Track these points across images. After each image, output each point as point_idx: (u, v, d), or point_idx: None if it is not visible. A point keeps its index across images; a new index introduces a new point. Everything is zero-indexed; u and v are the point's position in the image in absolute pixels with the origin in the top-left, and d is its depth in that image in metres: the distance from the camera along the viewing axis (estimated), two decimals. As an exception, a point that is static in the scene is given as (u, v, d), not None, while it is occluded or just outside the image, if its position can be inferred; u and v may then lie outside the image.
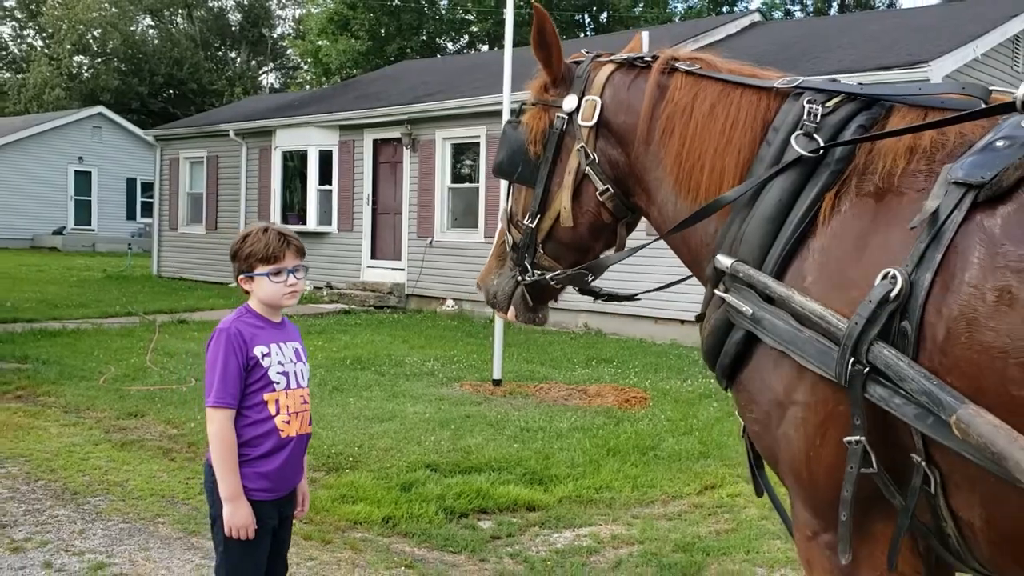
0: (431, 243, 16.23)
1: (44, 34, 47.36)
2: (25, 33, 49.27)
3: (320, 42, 38.62)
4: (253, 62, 54.70)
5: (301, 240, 3.04)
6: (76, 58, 46.19)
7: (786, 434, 1.90)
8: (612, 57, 2.47)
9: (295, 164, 19.10)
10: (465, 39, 40.28)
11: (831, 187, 1.94)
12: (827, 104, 2.04)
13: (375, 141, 17.45)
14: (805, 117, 2.02)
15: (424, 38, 37.80)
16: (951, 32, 12.53)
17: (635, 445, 6.77)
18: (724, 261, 2.05)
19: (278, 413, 2.86)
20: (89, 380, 8.78)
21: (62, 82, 43.36)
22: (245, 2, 51.36)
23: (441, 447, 6.62)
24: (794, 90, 2.12)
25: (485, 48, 38.85)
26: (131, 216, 35.03)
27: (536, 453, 6.47)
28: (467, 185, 16.18)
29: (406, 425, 7.27)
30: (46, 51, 45.49)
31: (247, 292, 2.97)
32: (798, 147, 1.99)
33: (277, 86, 51.71)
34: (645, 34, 12.47)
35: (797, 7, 38.83)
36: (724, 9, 37.50)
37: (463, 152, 16.44)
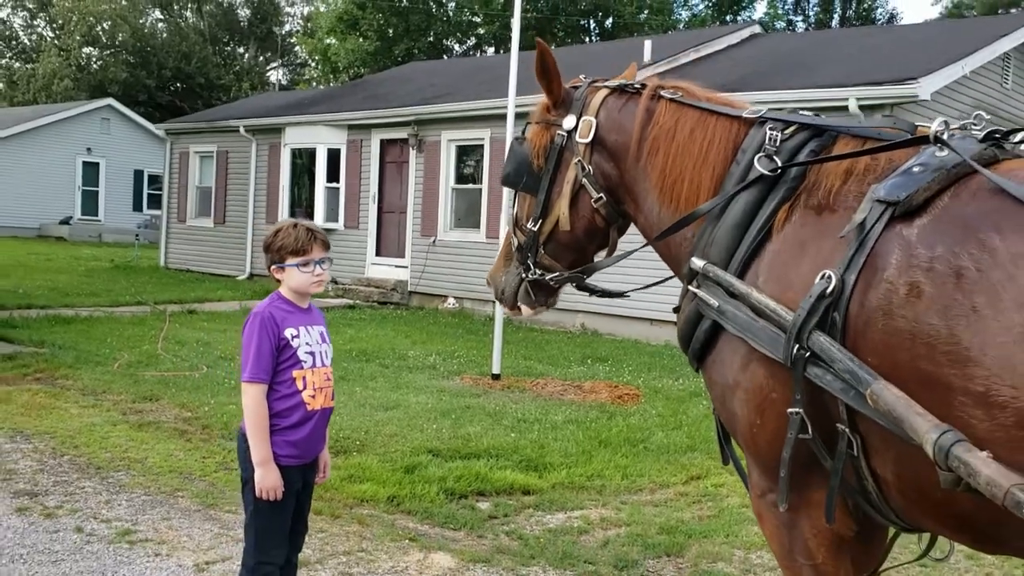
0: (434, 242, 16.59)
1: (54, 25, 47.74)
2: (35, 23, 49.65)
3: (329, 40, 38.98)
4: (261, 58, 55.10)
5: (326, 235, 3.40)
6: (85, 49, 46.58)
7: (740, 407, 2.28)
8: (606, 83, 2.85)
9: (303, 161, 19.46)
10: (472, 41, 40.65)
11: (786, 201, 2.32)
12: (785, 131, 2.42)
13: (382, 141, 17.81)
14: (767, 142, 2.40)
15: (431, 39, 38.16)
16: (942, 49, 12.88)
17: (626, 438, 7.13)
18: (697, 263, 2.43)
19: (305, 388, 3.23)
20: (104, 365, 9.14)
21: (71, 73, 43.75)
22: (254, -2, 51.79)
23: (442, 434, 6.98)
24: (759, 119, 2.50)
25: (491, 50, 39.23)
26: (138, 208, 35.41)
27: (532, 442, 6.83)
28: (470, 186, 16.54)
29: (409, 414, 7.63)
30: (56, 42, 45.87)
31: (278, 281, 3.33)
32: (760, 167, 2.37)
33: (284, 82, 52.05)
34: (648, 42, 12.85)
35: (800, 18, 39.22)
36: (728, 18, 37.87)
37: (467, 154, 16.81)
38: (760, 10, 40.06)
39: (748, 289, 2.25)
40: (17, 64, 48.34)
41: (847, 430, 2.06)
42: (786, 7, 39.67)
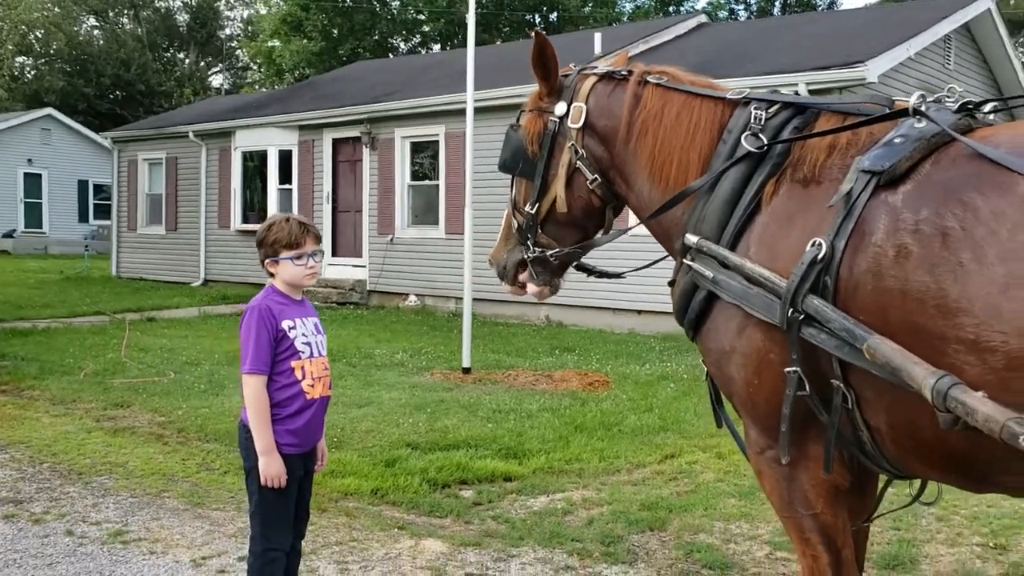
0: (392, 240, 16.60)
1: (-15, 35, 46.57)
2: (-34, 34, 48.38)
3: (273, 43, 38.62)
4: (202, 63, 54.36)
5: (317, 228, 3.47)
6: (19, 59, 45.52)
7: (738, 370, 2.41)
8: (595, 70, 2.96)
9: (255, 164, 19.33)
10: (417, 39, 40.57)
11: (773, 176, 2.45)
12: (769, 110, 2.55)
13: (334, 140, 17.76)
14: (752, 121, 2.54)
15: (377, 38, 38.01)
16: (885, 33, 13.24)
17: (600, 422, 7.27)
18: (691, 239, 2.56)
19: (304, 378, 3.30)
20: (70, 375, 9.05)
21: (4, 83, 42.72)
22: (193, 3, 51.04)
23: (419, 428, 7.05)
24: (743, 100, 2.63)
25: (437, 47, 39.19)
26: (84, 218, 34.77)
27: (509, 431, 6.93)
28: (427, 183, 16.58)
29: (383, 410, 7.69)
30: (-13, 52, 44.77)
31: (272, 274, 3.39)
32: (747, 145, 2.50)
33: (228, 87, 51.41)
34: (598, 35, 13.07)
35: (741, 7, 39.79)
36: (671, 9, 38.28)
37: (422, 150, 16.84)
38: (703, 0, 40.56)
39: (742, 261, 2.38)
40: (-52, 76, 47.08)
41: (841, 385, 2.20)
42: (728, -4, 40.22)
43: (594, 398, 8.30)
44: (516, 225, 3.06)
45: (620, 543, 4.68)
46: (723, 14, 38.21)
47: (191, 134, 19.96)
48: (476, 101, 10.61)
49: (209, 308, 15.56)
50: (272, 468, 3.20)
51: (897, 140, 2.19)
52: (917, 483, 2.57)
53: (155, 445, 6.53)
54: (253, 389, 3.22)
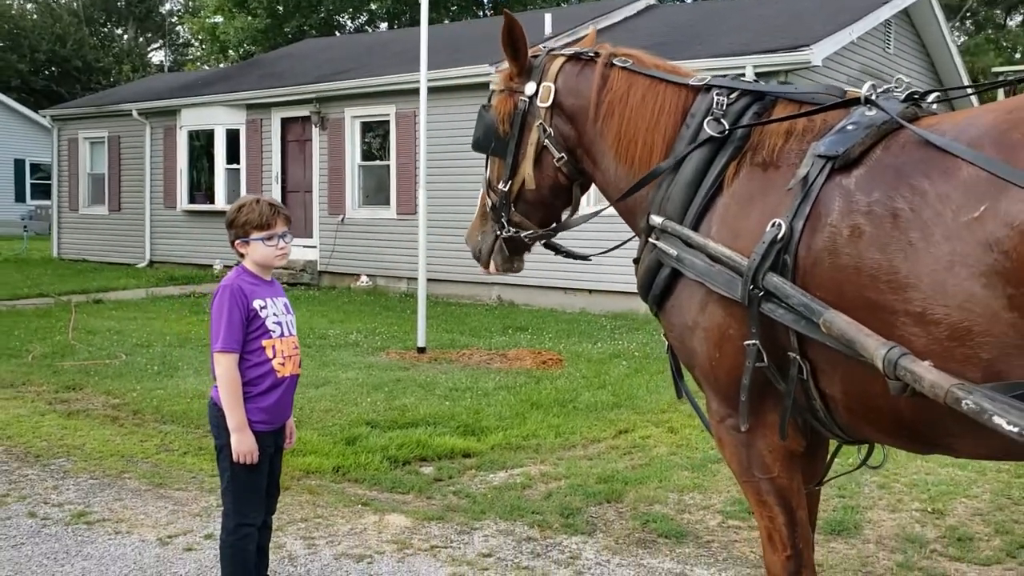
0: (343, 220, 16.54)
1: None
2: None
3: (216, 19, 37.90)
4: (141, 39, 53.13)
5: (287, 210, 3.52)
6: (-54, 33, 44.04)
7: (700, 344, 2.55)
8: (563, 51, 3.07)
9: (201, 143, 19.06)
10: (365, 16, 40.14)
11: (734, 159, 2.58)
12: (730, 96, 2.68)
13: (283, 119, 17.59)
14: (714, 106, 2.66)
15: (323, 15, 37.49)
16: (829, 17, 13.52)
17: (555, 399, 7.41)
18: (656, 219, 2.68)
19: (274, 356, 3.36)
20: (18, 357, 8.93)
21: (-69, 58, 41.35)
22: (131, -24, 49.82)
23: (378, 407, 7.12)
24: (705, 85, 2.75)
25: (384, 26, 38.84)
26: (20, 199, 33.89)
27: (466, 409, 7.04)
28: (378, 163, 16.53)
29: (341, 389, 7.73)
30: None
31: (242, 255, 3.43)
32: (709, 129, 2.62)
33: (169, 64, 50.35)
34: (548, 16, 13.11)
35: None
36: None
37: (373, 130, 16.77)
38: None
39: (705, 241, 2.51)
40: None
41: (798, 357, 2.35)
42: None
43: (548, 376, 8.45)
44: (490, 204, 3.15)
45: (578, 515, 4.83)
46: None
47: (135, 112, 19.59)
48: (429, 81, 10.63)
49: (157, 290, 15.38)
50: (244, 445, 3.27)
51: (850, 127, 2.34)
52: (865, 449, 2.74)
53: (111, 427, 6.51)
54: (225, 367, 3.27)
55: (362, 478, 5.47)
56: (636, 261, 2.83)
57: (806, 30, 12.78)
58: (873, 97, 2.38)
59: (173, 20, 52.03)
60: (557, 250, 3.28)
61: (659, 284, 2.66)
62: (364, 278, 16.14)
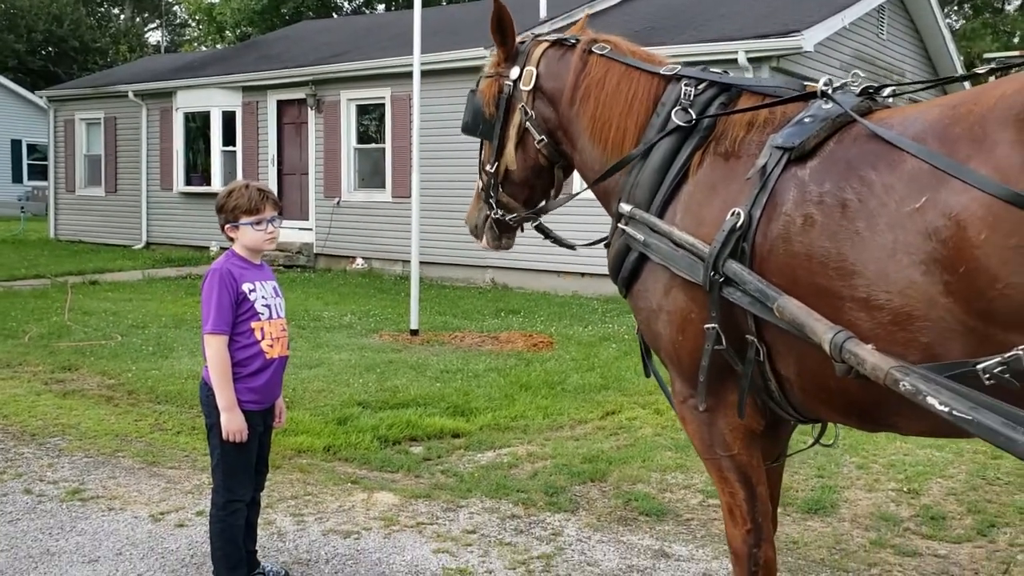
0: (339, 203, 16.60)
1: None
2: None
3: (213, 0, 37.79)
4: (138, 19, 52.93)
5: (275, 195, 3.61)
6: (-57, 13, 43.82)
7: (664, 327, 2.67)
8: (547, 37, 3.20)
9: (197, 125, 19.09)
10: (361, -2, 40.03)
11: (699, 148, 2.68)
12: (698, 87, 2.78)
13: (279, 102, 17.62)
14: (682, 96, 2.76)
15: (320, -3, 37.41)
16: (822, 3, 13.56)
17: (544, 381, 7.53)
18: (625, 207, 2.80)
19: (263, 338, 3.46)
20: (15, 338, 9.03)
21: (-71, 39, 41.19)
22: (128, -44, 49.56)
23: (369, 388, 7.23)
24: (675, 75, 2.85)
25: (382, 7, 38.73)
26: (18, 179, 33.88)
27: (456, 390, 7.15)
28: (373, 146, 16.57)
29: (333, 370, 7.84)
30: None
31: (232, 239, 3.53)
32: (677, 119, 2.73)
33: (165, 44, 50.19)
34: (543, 0, 13.02)
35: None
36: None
37: (369, 113, 16.81)
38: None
39: (670, 228, 2.62)
40: None
41: (755, 340, 2.46)
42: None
43: (539, 358, 8.56)
44: (480, 185, 3.30)
45: (563, 493, 4.95)
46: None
47: (131, 94, 19.60)
48: (423, 64, 10.68)
49: (153, 271, 15.47)
50: (234, 424, 3.37)
51: (806, 120, 2.44)
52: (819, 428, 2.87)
53: (106, 407, 6.62)
54: (215, 349, 3.38)
55: (352, 457, 5.58)
56: (607, 245, 2.95)
57: (799, 15, 12.83)
58: (829, 91, 2.47)
59: (170, 0, 51.81)
60: (547, 235, 3.40)
61: (627, 268, 2.77)
62: (359, 261, 16.23)
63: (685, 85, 2.80)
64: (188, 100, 18.78)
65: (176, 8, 51.71)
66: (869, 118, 2.36)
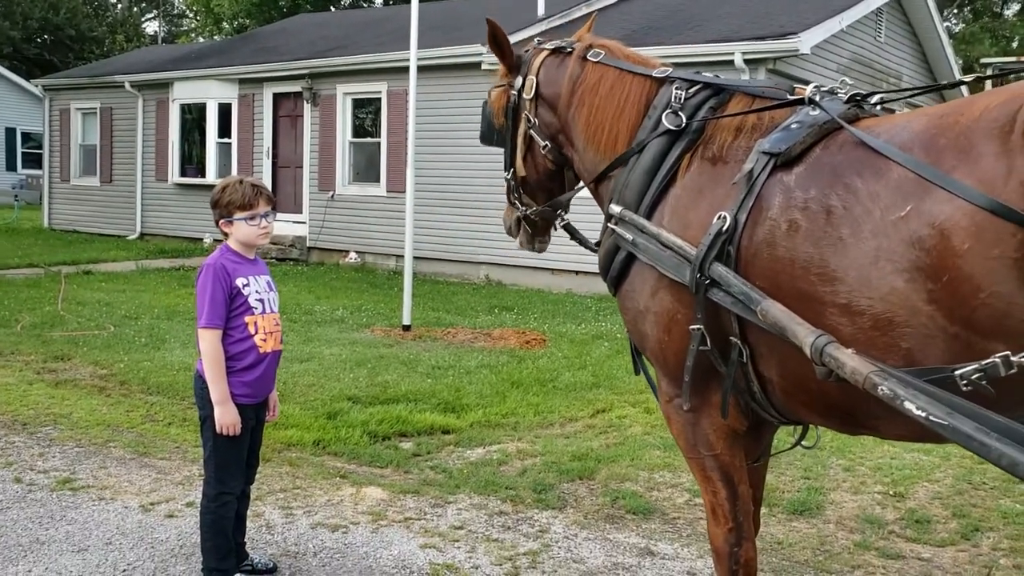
0: (333, 196, 16.60)
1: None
2: None
3: (210, -10, 37.71)
4: (135, 9, 52.78)
5: (269, 190, 3.64)
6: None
7: (651, 327, 2.70)
8: (546, 45, 3.29)
9: (193, 117, 19.07)
10: (360, -8, 39.97)
11: (688, 151, 2.73)
12: (689, 90, 2.81)
13: (275, 95, 17.62)
14: (673, 99, 2.80)
15: (318, -11, 37.34)
16: (821, 4, 13.60)
17: (536, 379, 7.56)
18: (615, 209, 2.84)
19: (257, 332, 3.49)
20: (7, 327, 9.03)
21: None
22: (126, -55, 49.39)
23: (360, 383, 7.25)
24: (667, 79, 2.89)
25: (380, 2, 38.68)
26: (12, 167, 33.78)
27: (448, 387, 7.18)
28: (368, 140, 16.57)
29: (324, 365, 7.86)
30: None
31: (226, 234, 3.55)
32: (667, 123, 2.77)
33: (163, 35, 50.05)
34: (541, 0, 13.04)
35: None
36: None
37: (364, 107, 16.81)
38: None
39: (658, 230, 2.66)
40: None
41: (738, 342, 2.50)
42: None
43: (531, 356, 8.59)
44: (506, 189, 3.43)
45: (551, 490, 4.98)
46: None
47: (127, 84, 19.57)
48: (420, 59, 10.70)
49: (147, 262, 15.46)
50: (227, 417, 3.40)
51: (793, 126, 2.48)
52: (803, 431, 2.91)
53: (98, 397, 6.63)
54: (209, 343, 3.40)
55: (342, 452, 5.60)
56: (597, 244, 3.00)
57: (796, 18, 12.86)
58: (816, 98, 2.51)
59: (167, -10, 51.66)
60: (573, 235, 3.49)
61: (615, 267, 2.82)
62: (353, 255, 16.24)
63: (676, 88, 2.83)
64: (184, 91, 18.76)
65: (174, -2, 51.57)
66: (856, 126, 2.39)
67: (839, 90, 2.57)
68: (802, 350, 2.19)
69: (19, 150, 34.08)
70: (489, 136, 3.40)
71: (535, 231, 3.45)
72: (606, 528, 4.50)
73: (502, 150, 3.43)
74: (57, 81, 22.14)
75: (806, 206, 2.33)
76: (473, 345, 9.16)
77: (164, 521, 4.38)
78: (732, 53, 11.87)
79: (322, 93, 16.72)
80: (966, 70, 24.75)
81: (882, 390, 1.98)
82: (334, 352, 8.41)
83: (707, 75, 2.92)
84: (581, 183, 3.25)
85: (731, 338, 2.51)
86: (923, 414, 1.90)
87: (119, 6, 50.94)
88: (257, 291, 3.51)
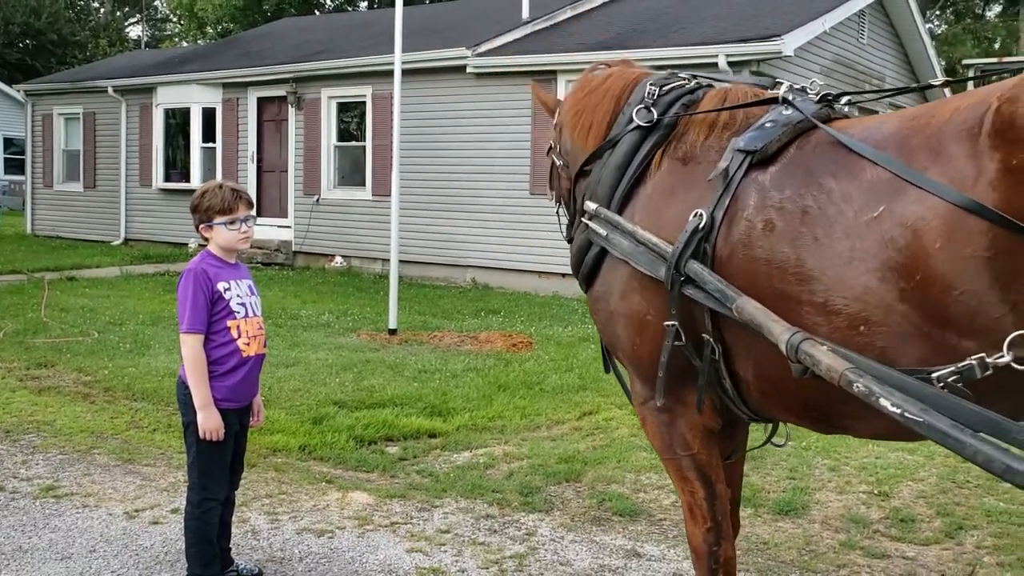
0: (318, 201, 16.56)
1: None
2: None
3: (194, -5, 37.54)
4: (119, 13, 52.48)
5: (249, 194, 3.62)
6: (-79, 4, 43.26)
7: (623, 327, 2.71)
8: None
9: (177, 122, 18.98)
10: (344, -5, 39.86)
11: (658, 147, 2.75)
12: (663, 88, 2.82)
13: (260, 99, 17.56)
14: (646, 96, 2.81)
15: (302, -7, 37.23)
16: (804, 7, 13.66)
17: (523, 381, 7.56)
18: (590, 206, 2.86)
19: (239, 337, 3.47)
20: (-10, 334, 8.96)
21: (-94, 29, 40.65)
22: (108, -51, 49.14)
23: (346, 387, 7.23)
24: (644, 74, 2.94)
25: (364, 5, 38.63)
26: (-7, 173, 33.56)
27: (434, 391, 7.17)
28: (354, 144, 16.54)
29: (310, 369, 7.84)
30: None
31: (206, 239, 3.54)
32: (637, 119, 2.79)
33: (146, 39, 49.83)
34: (526, 1, 13.06)
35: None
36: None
37: (349, 111, 16.78)
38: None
39: (634, 227, 2.67)
40: None
41: (712, 339, 2.51)
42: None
43: (517, 359, 8.58)
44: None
45: (538, 493, 4.98)
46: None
47: (110, 89, 19.47)
48: (404, 63, 10.69)
49: (131, 268, 15.37)
50: (210, 422, 3.38)
51: (768, 124, 2.50)
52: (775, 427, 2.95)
53: (82, 404, 6.59)
54: (190, 348, 3.38)
55: (328, 457, 5.58)
56: (570, 240, 3.01)
57: (780, 20, 12.92)
58: (789, 97, 2.53)
59: (151, -5, 51.41)
60: None
61: (588, 263, 2.84)
62: (339, 259, 16.20)
63: (650, 85, 2.85)
64: (168, 96, 18.69)
65: (157, 3, 51.34)
66: (829, 127, 2.41)
67: (810, 90, 2.58)
68: (777, 348, 2.20)
69: (1, 156, 33.84)
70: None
71: None
72: (593, 530, 4.50)
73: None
74: (39, 86, 22.01)
75: (781, 206, 2.35)
76: (459, 349, 9.14)
77: (149, 528, 4.35)
78: (716, 56, 11.91)
79: (307, 97, 16.68)
80: (949, 71, 24.91)
81: (857, 387, 1.99)
82: (320, 357, 8.38)
83: (685, 74, 2.95)
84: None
85: (704, 335, 2.52)
86: (898, 411, 1.91)
87: (102, 10, 50.65)
88: (239, 295, 3.49)
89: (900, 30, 16.89)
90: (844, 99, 2.57)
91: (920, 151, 2.11)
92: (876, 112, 2.87)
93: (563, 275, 13.27)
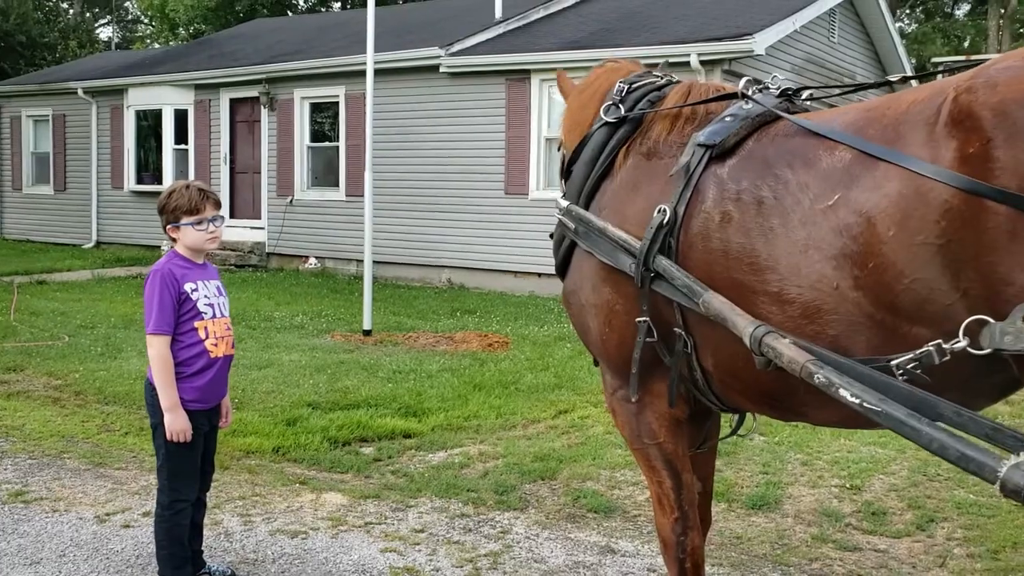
0: (291, 202, 16.47)
1: None
2: None
3: (165, -4, 37.23)
4: (88, 14, 51.93)
5: (217, 194, 3.60)
6: None
7: (594, 320, 2.74)
8: None
9: (149, 123, 18.82)
10: (317, -4, 39.67)
11: (624, 142, 2.78)
12: (633, 84, 2.84)
13: (232, 100, 17.44)
14: (614, 92, 2.85)
15: (275, -6, 37.00)
16: (775, 6, 13.75)
17: (498, 381, 7.55)
18: (563, 203, 2.91)
19: (207, 338, 3.44)
20: (-43, 339, 8.83)
21: None
22: (78, -50, 48.61)
23: (320, 389, 7.20)
24: (625, 75, 2.95)
25: (337, 6, 38.47)
26: (-39, 177, 33.06)
27: (409, 391, 7.15)
28: (327, 144, 16.47)
29: (283, 371, 7.79)
30: None
31: (174, 240, 3.51)
32: (604, 115, 2.84)
33: (117, 41, 49.36)
34: (498, 1, 13.06)
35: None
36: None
37: (323, 111, 16.70)
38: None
39: (604, 224, 2.70)
40: None
41: (682, 332, 2.53)
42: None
43: (493, 358, 8.58)
44: None
45: (513, 492, 4.97)
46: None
47: (80, 91, 19.26)
48: (377, 63, 10.66)
49: (103, 271, 15.23)
50: (177, 424, 3.35)
51: (728, 118, 2.53)
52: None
53: (52, 408, 6.52)
54: (157, 349, 3.36)
55: (301, 458, 5.55)
56: (551, 235, 3.03)
57: (751, 19, 12.99)
58: (749, 92, 2.56)
59: (121, -4, 50.93)
60: None
61: (561, 254, 2.88)
62: (312, 260, 16.12)
63: (621, 82, 2.88)
64: (139, 98, 18.52)
65: (128, 4, 50.87)
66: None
67: (771, 85, 2.61)
68: (740, 340, 2.22)
69: (-30, 159, 33.38)
70: None
71: None
72: (567, 527, 4.51)
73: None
74: (7, 88, 21.74)
75: (738, 197, 2.38)
76: (435, 349, 9.13)
77: (120, 531, 4.31)
78: (688, 55, 11.96)
79: (279, 98, 16.59)
80: (918, 69, 25.15)
81: (818, 378, 2.01)
82: (293, 358, 8.34)
83: (656, 74, 2.98)
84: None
85: (675, 329, 2.55)
86: (857, 401, 1.93)
87: (71, 12, 50.09)
88: (206, 296, 3.47)
89: (870, 29, 17.06)
90: (805, 94, 2.59)
91: (877, 141, 2.13)
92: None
93: (539, 275, 13.29)
